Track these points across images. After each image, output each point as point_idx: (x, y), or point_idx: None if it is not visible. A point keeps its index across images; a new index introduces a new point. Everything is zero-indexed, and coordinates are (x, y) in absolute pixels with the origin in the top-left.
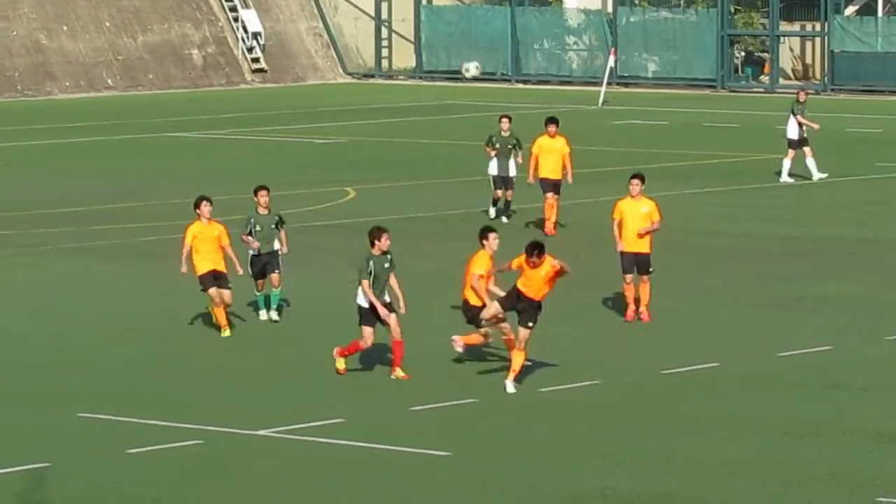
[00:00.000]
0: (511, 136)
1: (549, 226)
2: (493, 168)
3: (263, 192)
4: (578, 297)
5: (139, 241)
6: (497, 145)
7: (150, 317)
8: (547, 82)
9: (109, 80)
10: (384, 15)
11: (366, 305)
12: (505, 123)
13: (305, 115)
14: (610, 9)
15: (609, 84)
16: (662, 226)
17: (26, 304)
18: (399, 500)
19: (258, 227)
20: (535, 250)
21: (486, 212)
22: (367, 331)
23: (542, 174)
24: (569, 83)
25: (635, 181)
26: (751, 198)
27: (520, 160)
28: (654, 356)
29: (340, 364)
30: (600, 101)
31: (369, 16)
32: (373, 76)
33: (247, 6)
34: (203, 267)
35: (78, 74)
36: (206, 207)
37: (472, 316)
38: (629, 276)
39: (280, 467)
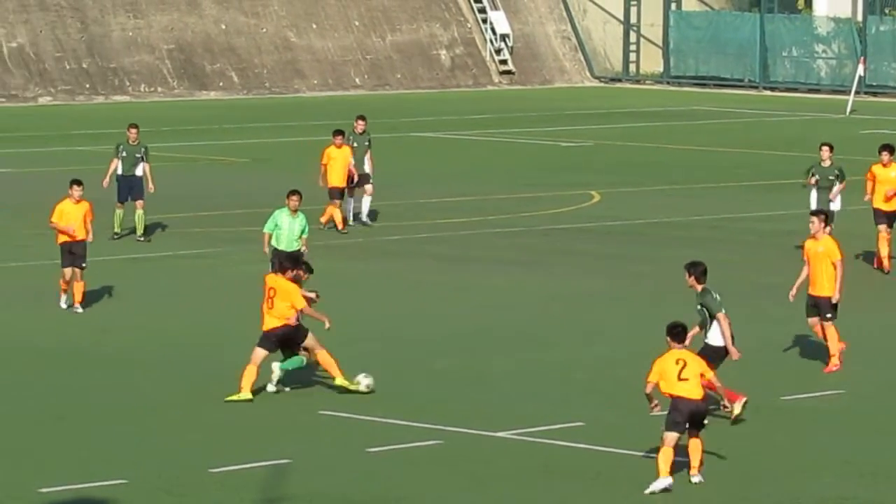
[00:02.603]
0: (832, 167)
1: (884, 261)
2: (812, 201)
3: None
4: None
5: (384, 241)
6: (817, 176)
7: (395, 317)
8: (794, 90)
9: (357, 79)
10: (633, 19)
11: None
12: (825, 152)
13: (551, 118)
14: (860, 17)
15: (857, 93)
16: None
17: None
18: None
19: None
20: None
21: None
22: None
23: (875, 204)
24: (816, 91)
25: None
26: None
27: (838, 190)
28: None
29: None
30: (848, 109)
31: (618, 20)
32: (620, 80)
33: (496, 8)
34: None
35: (326, 72)
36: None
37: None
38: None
39: (518, 470)
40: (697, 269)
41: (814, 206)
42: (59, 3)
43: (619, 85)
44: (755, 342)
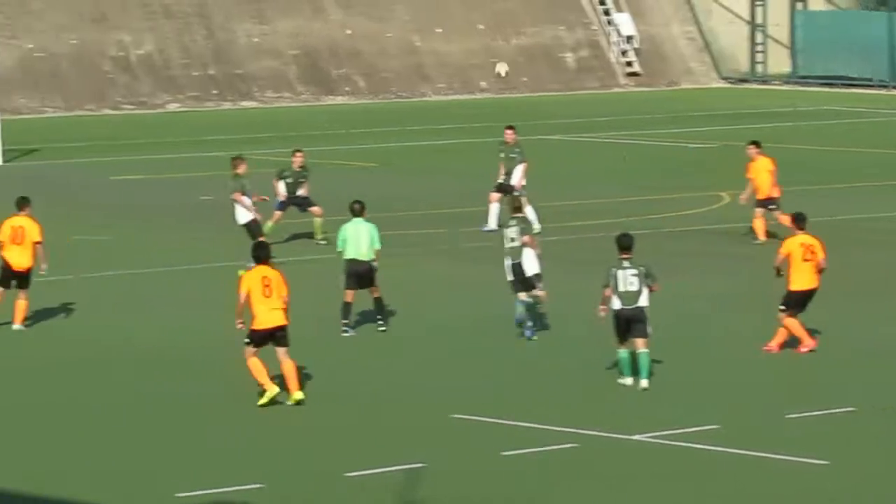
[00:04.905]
0: None
1: None
2: None
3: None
4: None
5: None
6: None
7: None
8: None
9: (483, 83)
10: (759, 19)
11: None
12: None
13: (679, 119)
14: None
15: None
16: None
17: (397, 305)
18: None
19: None
20: None
21: None
22: None
23: None
24: None
25: None
26: None
27: None
28: None
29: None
30: None
31: (744, 20)
32: (747, 81)
33: (620, 10)
34: None
35: (451, 76)
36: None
37: None
38: None
39: (655, 473)
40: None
41: None
42: (185, 11)
43: (746, 86)
44: None
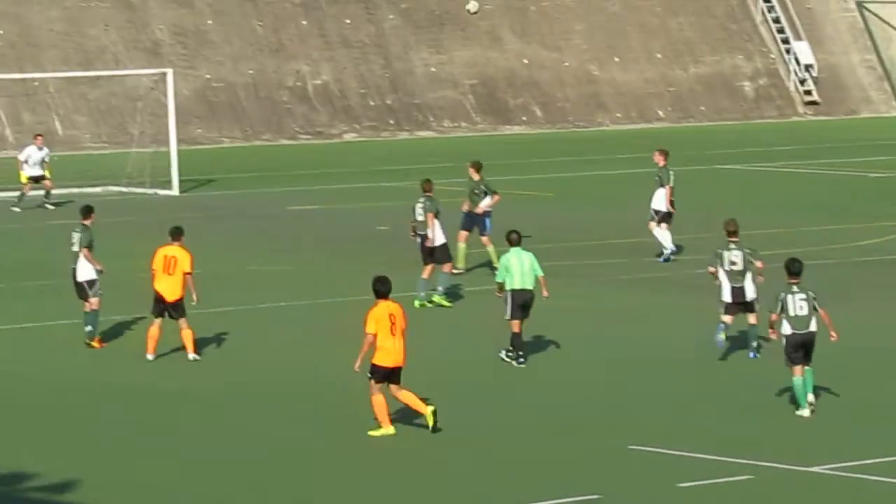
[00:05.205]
0: None
1: None
2: None
3: None
4: None
5: (685, 274)
6: None
7: (699, 348)
8: None
9: (660, 112)
10: None
11: None
12: None
13: (859, 149)
14: None
15: None
16: None
17: (576, 334)
18: None
19: None
20: None
21: None
22: None
23: None
24: None
25: None
26: None
27: None
28: None
29: None
30: None
31: None
32: None
33: (799, 38)
34: None
35: (628, 105)
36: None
37: None
38: None
39: None
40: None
41: None
42: (362, 41)
43: None
44: None
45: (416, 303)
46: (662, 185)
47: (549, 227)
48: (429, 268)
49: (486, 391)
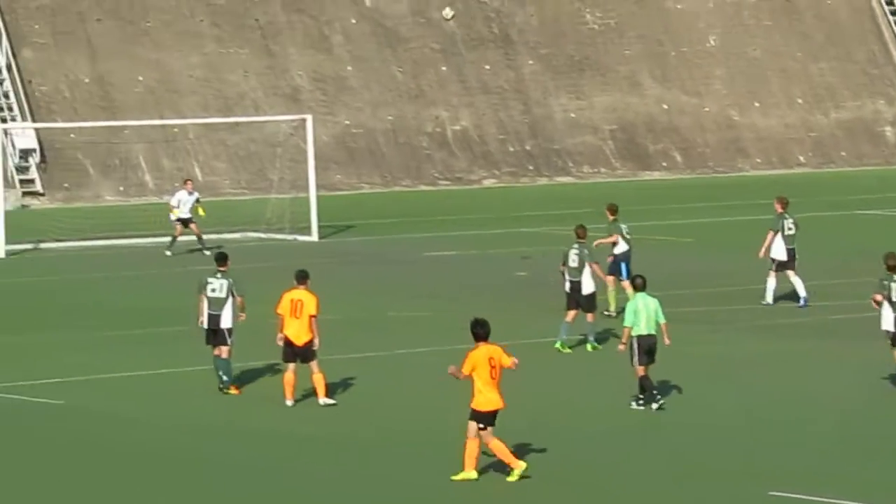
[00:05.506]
0: None
1: None
2: None
3: None
4: None
5: (824, 319)
6: None
7: (840, 393)
8: None
9: (801, 157)
10: None
11: None
12: None
13: None
14: None
15: None
16: None
17: (715, 380)
18: None
19: None
20: None
21: None
22: None
23: None
24: None
25: None
26: None
27: None
28: None
29: None
30: None
31: None
32: None
33: None
34: None
35: (769, 151)
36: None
37: None
38: None
39: None
40: None
41: None
42: (501, 87)
43: None
44: None
45: (558, 344)
46: (775, 232)
47: (688, 272)
48: (573, 312)
49: (621, 435)
